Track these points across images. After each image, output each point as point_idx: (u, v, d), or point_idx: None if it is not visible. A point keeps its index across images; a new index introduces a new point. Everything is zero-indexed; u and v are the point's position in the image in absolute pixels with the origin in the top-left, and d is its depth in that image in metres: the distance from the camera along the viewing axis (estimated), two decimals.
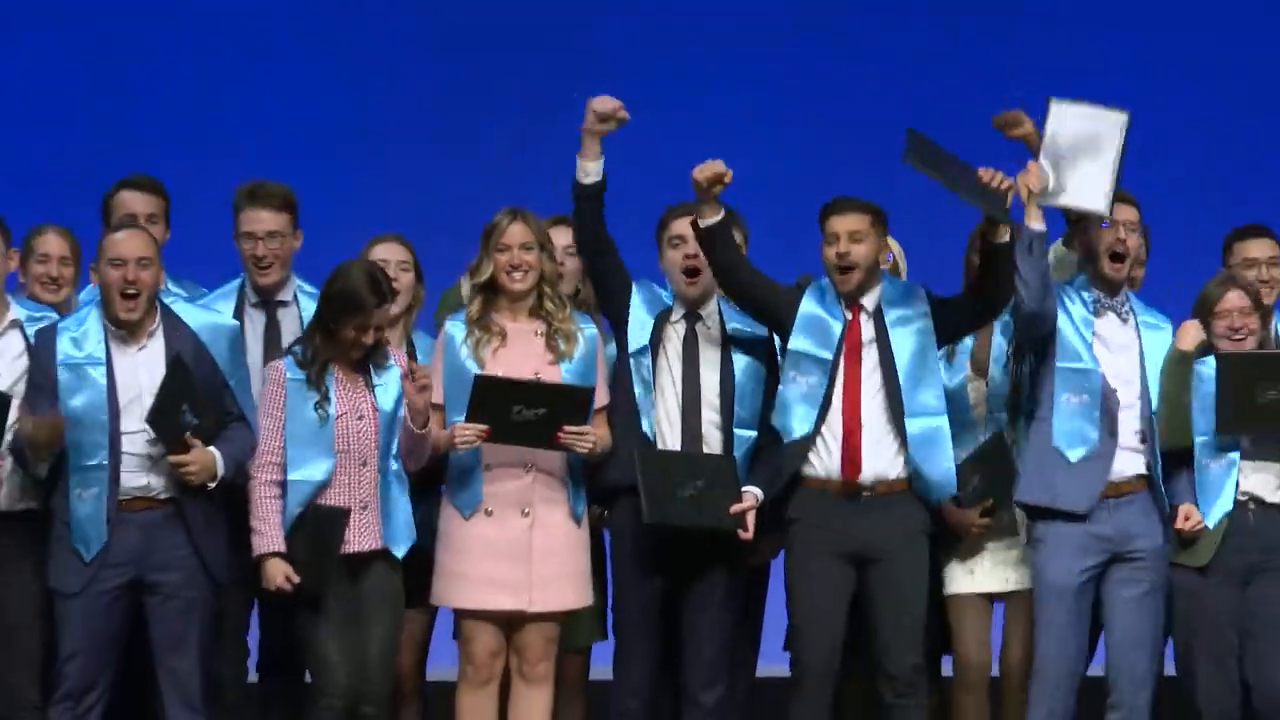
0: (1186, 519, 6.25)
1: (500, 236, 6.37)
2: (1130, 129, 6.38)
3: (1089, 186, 6.37)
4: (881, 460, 6.28)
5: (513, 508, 6.36)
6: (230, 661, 6.51)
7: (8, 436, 6.17)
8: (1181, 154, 8.76)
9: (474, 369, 6.33)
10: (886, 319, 6.33)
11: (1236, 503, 6.27)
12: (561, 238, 6.58)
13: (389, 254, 6.59)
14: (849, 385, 6.28)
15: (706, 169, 6.29)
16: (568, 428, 6.26)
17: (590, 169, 6.41)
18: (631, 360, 6.47)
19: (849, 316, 6.30)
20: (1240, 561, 6.24)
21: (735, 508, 6.26)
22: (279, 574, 6.15)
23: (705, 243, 6.34)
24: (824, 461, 6.29)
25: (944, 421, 6.29)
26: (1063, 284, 6.38)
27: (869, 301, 6.29)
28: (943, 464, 6.29)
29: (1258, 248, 6.51)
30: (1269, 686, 6.23)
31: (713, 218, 6.31)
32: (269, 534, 6.19)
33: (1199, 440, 6.27)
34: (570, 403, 6.29)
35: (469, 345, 6.40)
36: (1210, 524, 6.24)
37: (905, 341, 6.33)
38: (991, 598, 6.52)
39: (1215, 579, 6.26)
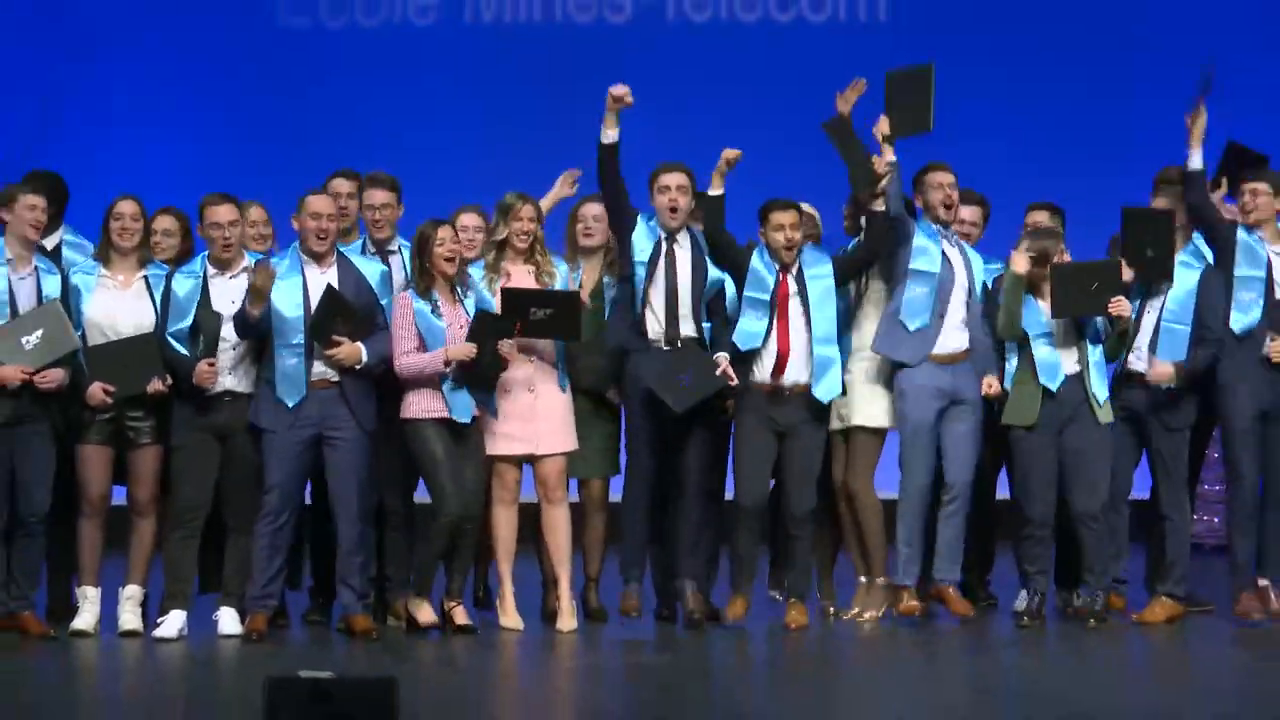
0: (990, 386, 8.07)
1: (515, 211, 7.96)
2: (935, 73, 8.07)
3: (914, 119, 8.10)
4: (797, 370, 8.02)
5: (522, 385, 7.97)
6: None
7: (235, 350, 7.76)
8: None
9: (487, 298, 7.88)
10: (805, 278, 8.00)
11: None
12: (594, 209, 8.18)
13: (469, 220, 8.12)
14: (781, 321, 8.01)
15: (730, 152, 7.92)
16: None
17: (609, 134, 7.93)
18: (634, 274, 7.96)
19: (780, 276, 8.05)
20: (1055, 417, 8.06)
21: (717, 371, 7.90)
22: (461, 352, 7.65)
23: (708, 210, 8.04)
24: (762, 370, 8.03)
25: (835, 350, 8.02)
26: (920, 223, 8.13)
27: (793, 266, 8.06)
28: (832, 377, 8.00)
29: (1041, 215, 8.40)
30: (1070, 504, 8.08)
31: (718, 190, 8.00)
32: (433, 355, 7.64)
33: (1035, 336, 8.03)
34: (567, 302, 7.80)
35: (484, 282, 7.95)
36: (1053, 389, 7.97)
37: (817, 292, 8.05)
38: (845, 433, 8.24)
39: (1038, 432, 8.05)
